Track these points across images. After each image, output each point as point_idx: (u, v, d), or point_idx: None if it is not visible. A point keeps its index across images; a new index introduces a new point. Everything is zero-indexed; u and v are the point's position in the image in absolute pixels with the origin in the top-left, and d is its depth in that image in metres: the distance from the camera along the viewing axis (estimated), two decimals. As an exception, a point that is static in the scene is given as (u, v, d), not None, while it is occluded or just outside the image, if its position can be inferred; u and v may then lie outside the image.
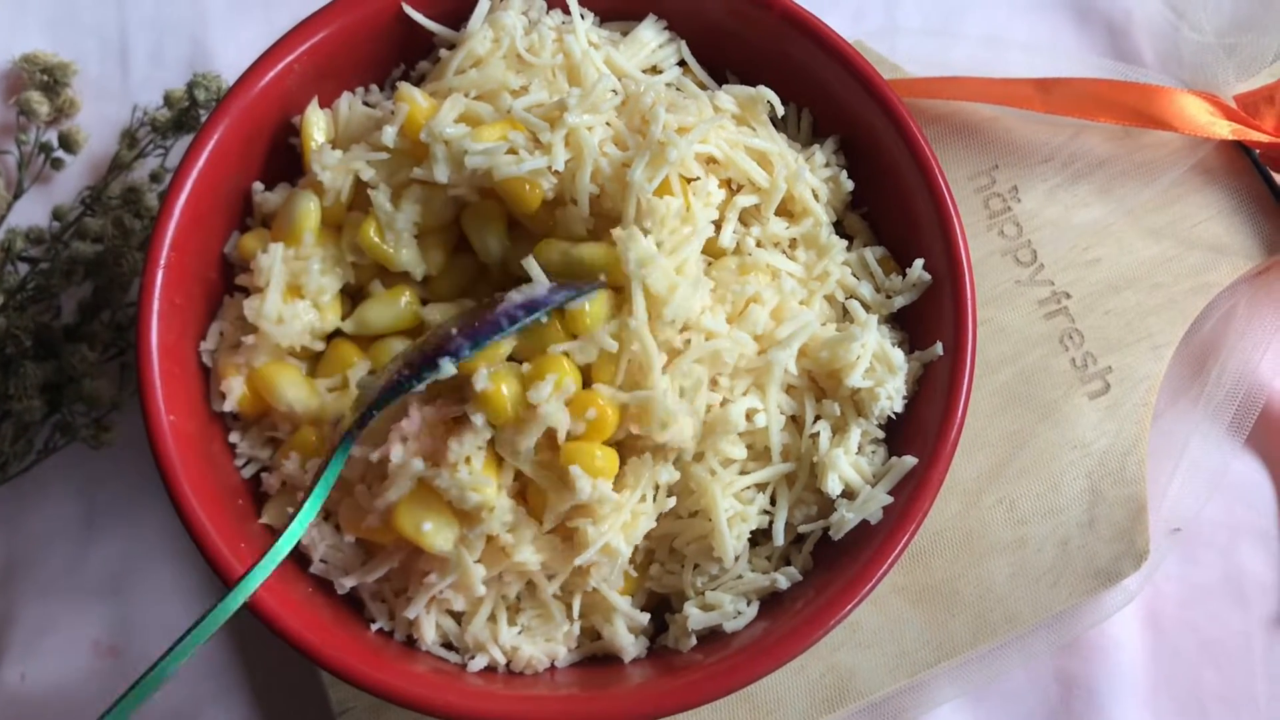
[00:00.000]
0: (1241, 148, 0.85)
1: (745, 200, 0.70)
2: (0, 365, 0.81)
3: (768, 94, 0.72)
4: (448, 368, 0.62)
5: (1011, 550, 0.78)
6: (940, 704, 0.79)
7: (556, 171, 0.66)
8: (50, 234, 0.85)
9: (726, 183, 0.71)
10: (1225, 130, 0.83)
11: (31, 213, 0.87)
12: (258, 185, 0.72)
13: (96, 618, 0.82)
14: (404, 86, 0.69)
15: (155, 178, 0.87)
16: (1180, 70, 0.89)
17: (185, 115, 0.86)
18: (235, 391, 0.68)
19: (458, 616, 0.67)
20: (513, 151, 0.66)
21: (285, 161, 0.73)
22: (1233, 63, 0.86)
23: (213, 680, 0.80)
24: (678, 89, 0.73)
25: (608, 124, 0.68)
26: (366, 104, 0.74)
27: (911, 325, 0.72)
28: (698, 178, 0.68)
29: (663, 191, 0.66)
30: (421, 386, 0.62)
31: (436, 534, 0.62)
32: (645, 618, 0.68)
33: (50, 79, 0.87)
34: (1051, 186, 0.85)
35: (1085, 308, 0.83)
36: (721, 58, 0.76)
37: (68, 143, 0.87)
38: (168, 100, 0.86)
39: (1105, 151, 0.86)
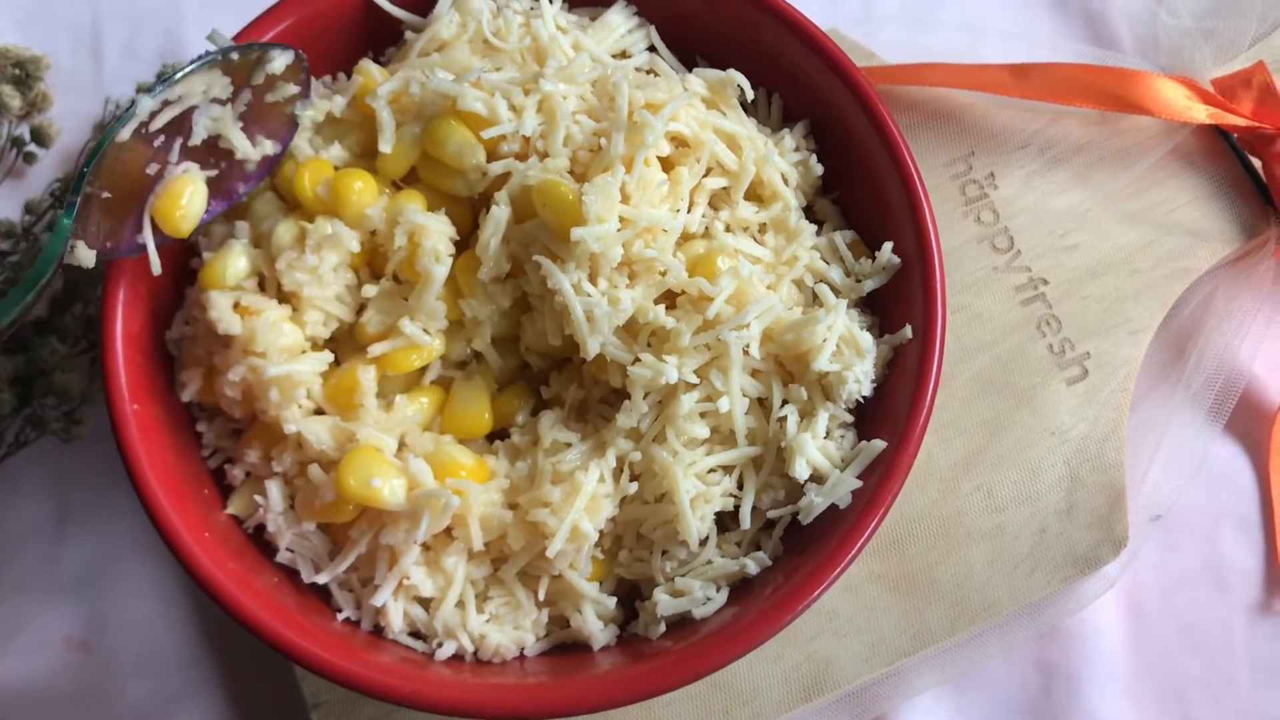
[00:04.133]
0: (1219, 132, 0.84)
1: (714, 183, 0.69)
2: (-30, 359, 0.81)
3: (738, 78, 0.71)
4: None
5: (989, 538, 0.78)
6: (919, 693, 0.78)
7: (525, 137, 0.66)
8: (22, 227, 0.85)
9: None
10: (1203, 114, 0.82)
11: (3, 207, 0.87)
12: (225, 172, 0.72)
13: (69, 614, 0.81)
14: (363, 62, 0.69)
15: (127, 170, 0.86)
16: (1157, 55, 0.89)
17: (156, 107, 0.85)
18: (194, 382, 0.67)
19: (425, 604, 0.66)
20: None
21: (253, 150, 0.73)
22: (1210, 47, 0.85)
23: (181, 675, 0.80)
24: (649, 73, 0.73)
25: (581, 98, 0.67)
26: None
27: (883, 309, 0.72)
28: (669, 155, 0.68)
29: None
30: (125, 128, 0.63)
31: (385, 487, 0.62)
32: (613, 603, 0.67)
33: (22, 73, 0.87)
34: (1028, 172, 0.84)
35: (1063, 293, 0.82)
36: (691, 43, 0.75)
37: (40, 136, 0.87)
38: (139, 92, 0.86)
39: (1082, 137, 0.85)
